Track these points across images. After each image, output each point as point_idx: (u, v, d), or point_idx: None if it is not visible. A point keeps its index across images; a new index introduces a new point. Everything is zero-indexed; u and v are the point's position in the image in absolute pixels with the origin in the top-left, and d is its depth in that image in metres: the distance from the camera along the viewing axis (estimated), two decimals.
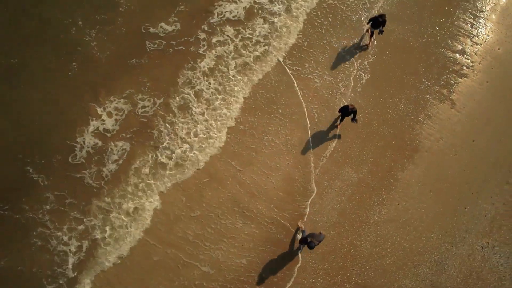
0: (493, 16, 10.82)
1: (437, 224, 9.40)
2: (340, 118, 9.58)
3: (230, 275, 8.66)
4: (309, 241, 7.52)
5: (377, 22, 9.62)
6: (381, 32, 9.96)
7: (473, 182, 9.67)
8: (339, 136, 9.72)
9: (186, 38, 9.99)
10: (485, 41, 10.64)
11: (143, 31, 9.93)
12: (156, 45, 9.91)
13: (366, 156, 9.69)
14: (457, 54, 10.52)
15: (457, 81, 10.35)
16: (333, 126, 9.78)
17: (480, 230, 9.38)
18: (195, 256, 8.65)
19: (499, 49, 10.58)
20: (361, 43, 10.43)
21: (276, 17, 10.43)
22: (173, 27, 9.87)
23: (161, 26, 9.97)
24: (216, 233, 8.86)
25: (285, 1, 10.62)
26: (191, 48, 9.99)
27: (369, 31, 10.16)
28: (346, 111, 9.05)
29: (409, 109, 10.08)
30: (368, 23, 9.94)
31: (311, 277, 8.80)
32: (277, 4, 10.57)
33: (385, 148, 9.78)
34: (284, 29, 10.40)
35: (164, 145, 9.31)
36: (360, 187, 9.48)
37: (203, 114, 9.61)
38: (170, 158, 9.22)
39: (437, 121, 10.05)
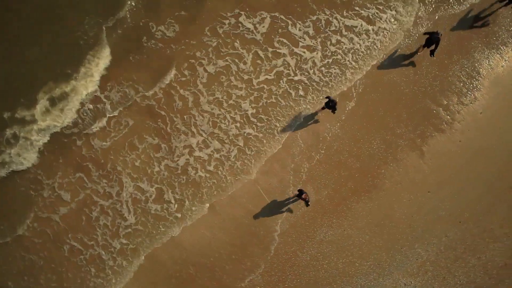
0: (486, 81, 11.24)
1: (373, 255, 10.56)
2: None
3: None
4: None
5: (328, 103, 10.08)
6: (333, 112, 10.33)
7: (416, 228, 10.69)
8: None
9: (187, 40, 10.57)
10: (471, 103, 11.16)
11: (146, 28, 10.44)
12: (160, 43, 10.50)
13: (329, 181, 10.67)
14: (441, 109, 11.11)
15: (433, 134, 11.03)
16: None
17: (408, 270, 10.54)
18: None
19: (481, 113, 11.13)
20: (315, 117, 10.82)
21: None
22: (172, 28, 10.53)
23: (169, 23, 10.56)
24: None
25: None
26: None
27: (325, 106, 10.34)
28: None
29: (380, 148, 10.89)
30: (326, 98, 10.30)
31: (252, 272, 10.18)
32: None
33: (348, 178, 10.73)
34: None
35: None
36: (316, 207, 10.56)
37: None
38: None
39: (402, 166, 10.88)
